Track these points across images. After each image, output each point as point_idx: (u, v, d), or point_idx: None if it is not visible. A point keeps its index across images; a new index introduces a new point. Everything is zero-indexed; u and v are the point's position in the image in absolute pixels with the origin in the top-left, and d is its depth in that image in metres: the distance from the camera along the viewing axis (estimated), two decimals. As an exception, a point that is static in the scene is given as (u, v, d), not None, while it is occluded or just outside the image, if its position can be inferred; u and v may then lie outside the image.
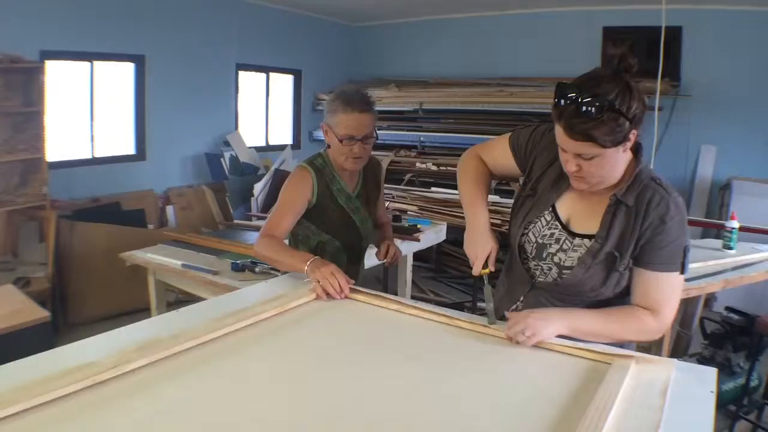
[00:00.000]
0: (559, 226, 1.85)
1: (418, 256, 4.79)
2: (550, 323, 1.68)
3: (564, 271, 1.82)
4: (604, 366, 1.57)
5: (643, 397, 1.41)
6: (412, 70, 9.06)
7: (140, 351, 1.53)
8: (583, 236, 1.80)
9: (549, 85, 6.80)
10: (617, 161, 1.66)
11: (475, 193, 2.02)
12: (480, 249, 1.91)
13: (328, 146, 2.53)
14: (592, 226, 1.79)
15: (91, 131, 6.37)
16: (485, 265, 1.90)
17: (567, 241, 1.83)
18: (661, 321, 1.72)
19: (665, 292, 1.72)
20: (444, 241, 5.01)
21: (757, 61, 6.65)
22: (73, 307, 5.15)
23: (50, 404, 1.29)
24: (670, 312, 1.73)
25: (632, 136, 1.61)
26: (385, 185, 7.45)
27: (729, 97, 6.84)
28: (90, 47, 6.08)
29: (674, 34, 6.75)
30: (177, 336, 1.63)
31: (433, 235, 4.52)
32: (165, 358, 1.54)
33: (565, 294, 1.84)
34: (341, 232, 2.56)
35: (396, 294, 3.56)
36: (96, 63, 6.29)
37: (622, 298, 1.80)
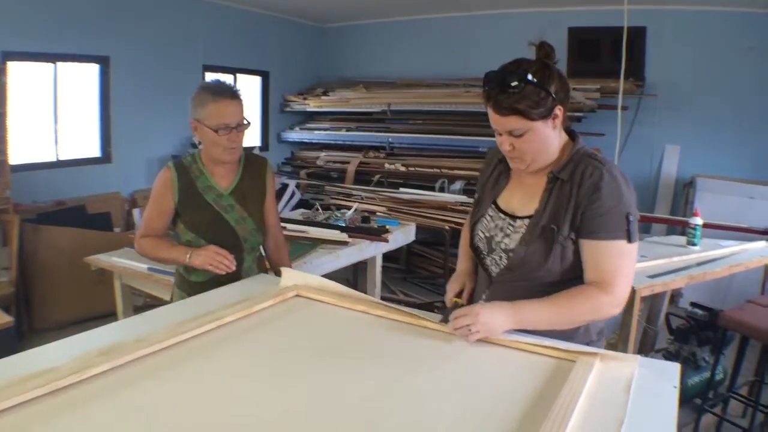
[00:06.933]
0: (502, 216, 1.93)
1: (387, 256, 4.79)
2: (497, 316, 1.70)
3: (509, 254, 1.87)
4: (568, 364, 1.58)
5: (607, 394, 1.42)
6: (380, 71, 9.07)
7: (102, 356, 1.51)
8: (523, 217, 1.87)
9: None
10: (547, 137, 1.77)
11: (460, 257, 2.24)
12: (451, 284, 2.11)
13: (198, 143, 2.51)
14: (532, 207, 1.86)
15: (55, 133, 6.28)
16: (460, 296, 2.07)
17: (509, 226, 1.90)
18: (614, 294, 1.72)
19: (613, 262, 1.73)
20: (414, 241, 5.01)
21: (719, 60, 6.76)
22: (38, 311, 5.07)
23: (10, 410, 1.27)
24: (623, 284, 1.73)
25: (559, 112, 1.75)
26: (354, 186, 7.46)
27: (692, 96, 6.95)
28: (53, 48, 6.00)
29: (638, 33, 6.83)
30: (140, 340, 1.61)
31: (401, 236, 4.51)
32: (127, 363, 1.52)
33: (518, 281, 1.86)
34: (210, 232, 2.48)
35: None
36: (60, 64, 6.20)
37: (580, 280, 1.80)
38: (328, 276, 2.57)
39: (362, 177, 7.89)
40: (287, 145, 9.28)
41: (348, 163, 8.07)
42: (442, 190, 7.03)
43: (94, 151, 6.71)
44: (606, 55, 7.11)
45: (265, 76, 8.96)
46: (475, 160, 7.24)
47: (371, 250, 4.17)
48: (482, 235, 1.97)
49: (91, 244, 4.76)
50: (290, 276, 2.24)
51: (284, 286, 2.18)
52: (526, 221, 1.85)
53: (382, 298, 4.26)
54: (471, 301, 2.06)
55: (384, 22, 9.01)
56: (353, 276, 5.44)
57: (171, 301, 2.62)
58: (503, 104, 1.70)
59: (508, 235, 1.88)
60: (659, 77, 7.08)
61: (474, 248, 2.03)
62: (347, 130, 8.43)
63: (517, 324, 1.72)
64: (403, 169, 7.65)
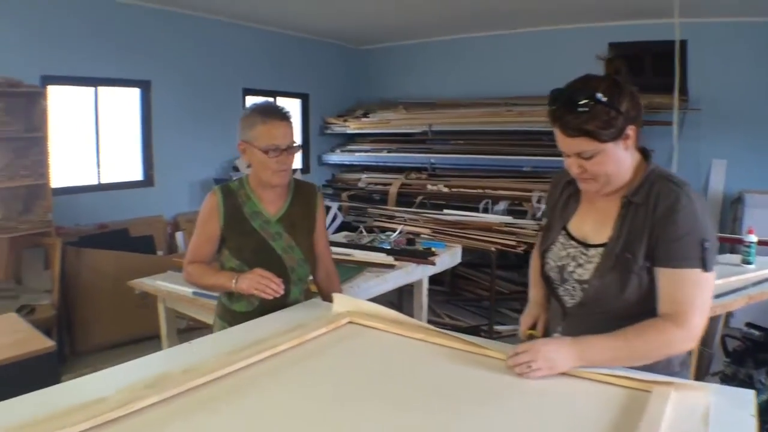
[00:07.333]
0: (574, 243, 1.84)
1: (431, 278, 4.70)
2: (560, 354, 1.61)
3: (584, 285, 1.77)
4: (643, 394, 1.50)
5: (685, 425, 1.35)
6: (419, 91, 9.05)
7: (151, 387, 1.47)
8: (597, 246, 1.77)
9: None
10: (619, 159, 1.67)
11: (531, 287, 2.17)
12: (524, 317, 2.06)
13: (247, 166, 2.48)
14: (605, 234, 1.76)
15: (97, 157, 6.37)
16: (534, 328, 2.02)
17: (582, 255, 1.80)
18: (687, 327, 1.59)
19: (687, 292, 1.60)
20: (458, 263, 4.92)
21: (762, 72, 6.61)
22: (80, 334, 5.09)
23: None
24: (697, 316, 1.60)
25: (630, 132, 1.65)
26: (397, 208, 7.41)
27: (737, 109, 6.79)
28: (93, 72, 6.08)
29: (680, 47, 6.70)
30: (189, 371, 1.57)
31: (448, 258, 4.42)
32: (177, 395, 1.48)
33: (595, 313, 1.76)
34: (256, 259, 2.39)
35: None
36: (100, 88, 6.29)
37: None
38: (374, 300, 2.52)
39: (404, 198, 7.84)
40: (328, 167, 9.30)
41: (390, 184, 8.06)
42: (486, 210, 6.95)
43: (137, 174, 6.79)
44: (648, 69, 7.00)
45: (305, 99, 9.00)
46: (518, 180, 7.18)
47: (418, 273, 4.09)
48: (553, 264, 1.88)
49: (134, 267, 4.79)
50: (342, 302, 2.19)
51: (336, 313, 2.13)
52: (600, 250, 1.74)
53: (429, 322, 4.19)
54: (546, 333, 1.97)
55: (422, 42, 9.00)
56: (398, 299, 5.37)
57: (213, 330, 2.57)
58: (571, 125, 1.62)
59: (581, 265, 1.79)
60: (702, 91, 6.93)
61: (545, 278, 1.94)
62: (388, 152, 8.43)
63: (582, 361, 1.61)
64: (445, 190, 7.60)
